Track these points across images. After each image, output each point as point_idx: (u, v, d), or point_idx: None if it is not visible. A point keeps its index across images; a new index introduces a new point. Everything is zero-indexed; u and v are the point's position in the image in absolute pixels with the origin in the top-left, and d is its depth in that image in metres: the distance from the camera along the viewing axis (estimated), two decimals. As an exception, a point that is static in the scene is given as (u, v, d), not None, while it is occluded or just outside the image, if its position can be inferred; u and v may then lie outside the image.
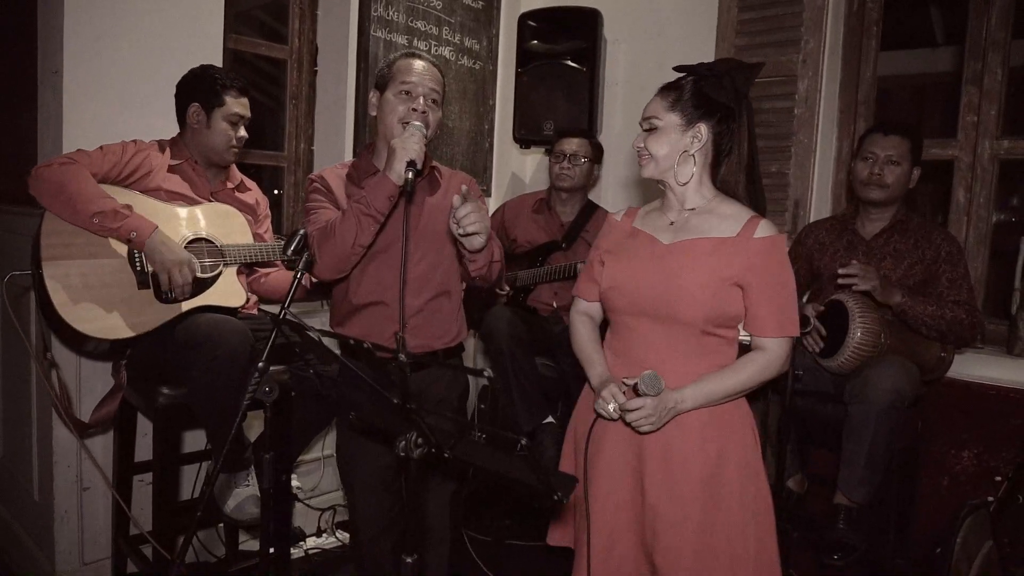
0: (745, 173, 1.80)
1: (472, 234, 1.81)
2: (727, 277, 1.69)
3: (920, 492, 2.76)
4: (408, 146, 1.89)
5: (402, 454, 1.45)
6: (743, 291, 1.70)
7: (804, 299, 2.68)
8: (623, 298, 1.78)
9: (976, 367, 2.77)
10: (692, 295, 1.68)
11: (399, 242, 2.01)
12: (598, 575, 1.76)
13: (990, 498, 2.42)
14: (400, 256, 1.97)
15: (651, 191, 3.27)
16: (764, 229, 1.70)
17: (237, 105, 2.33)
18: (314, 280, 2.15)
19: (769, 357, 1.71)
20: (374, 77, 2.17)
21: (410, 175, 1.84)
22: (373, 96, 2.12)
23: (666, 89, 1.77)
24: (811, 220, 3.05)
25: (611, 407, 1.69)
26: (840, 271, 2.44)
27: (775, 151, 3.20)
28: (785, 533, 2.54)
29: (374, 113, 2.12)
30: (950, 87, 3.04)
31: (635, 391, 1.66)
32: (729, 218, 1.74)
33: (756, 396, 2.33)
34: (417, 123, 1.99)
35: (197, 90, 2.31)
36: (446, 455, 1.45)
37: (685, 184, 1.77)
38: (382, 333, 2.08)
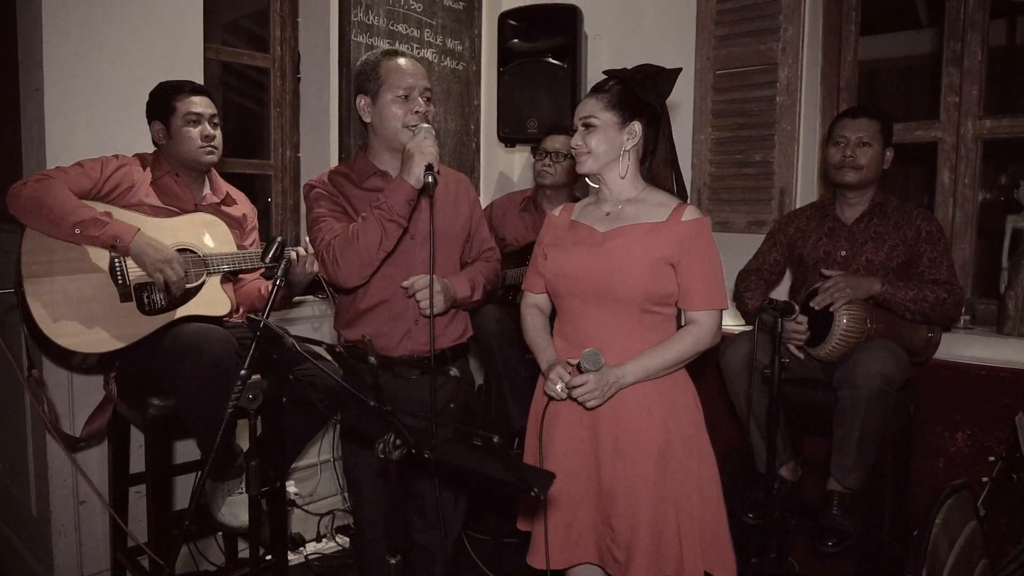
0: (672, 168, 2.00)
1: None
2: (660, 257, 1.84)
3: (915, 475, 2.76)
4: (425, 149, 1.95)
5: (381, 456, 1.47)
6: (675, 270, 1.86)
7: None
8: (567, 283, 1.92)
9: (967, 347, 2.76)
10: (629, 275, 1.84)
11: (404, 240, 2.08)
12: (559, 548, 1.91)
13: (984, 479, 2.44)
14: (403, 252, 2.08)
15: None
16: (691, 213, 1.87)
17: (189, 104, 2.31)
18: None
19: (701, 330, 1.87)
20: (355, 79, 2.20)
21: (430, 179, 1.91)
22: (362, 101, 2.13)
23: (599, 91, 1.92)
24: (797, 207, 3.04)
25: (558, 387, 1.83)
26: (816, 301, 2.44)
27: (758, 140, 3.20)
28: (782, 521, 2.56)
29: (368, 119, 2.14)
30: (936, 68, 3.04)
31: (579, 369, 1.79)
32: (659, 206, 1.91)
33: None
34: (426, 125, 2.04)
35: (154, 109, 2.33)
36: (426, 455, 1.46)
37: (621, 178, 1.94)
38: (391, 332, 2.12)
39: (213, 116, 2.37)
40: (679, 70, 1.95)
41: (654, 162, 1.97)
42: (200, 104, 2.34)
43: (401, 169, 1.99)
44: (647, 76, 1.91)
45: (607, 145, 1.89)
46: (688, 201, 1.98)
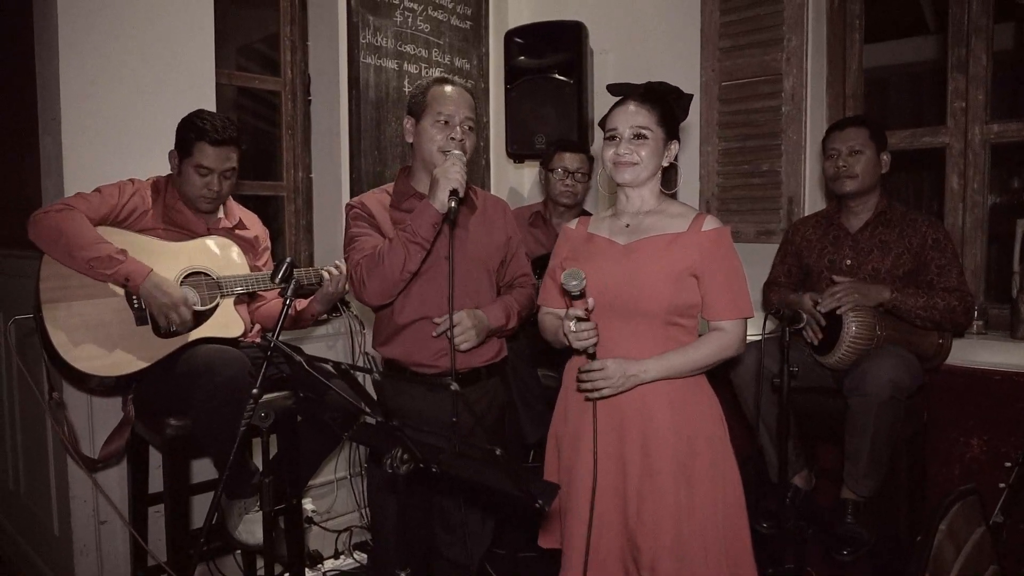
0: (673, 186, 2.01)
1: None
2: (684, 268, 1.83)
3: (931, 482, 2.75)
4: (451, 175, 1.98)
5: (389, 471, 1.49)
6: (698, 280, 1.85)
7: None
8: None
9: (980, 353, 2.74)
10: (654, 288, 1.82)
11: (440, 261, 2.11)
12: (588, 570, 1.85)
13: (1001, 485, 2.41)
14: (441, 274, 2.10)
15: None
16: (711, 223, 1.88)
17: (206, 157, 2.29)
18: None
19: (728, 337, 1.86)
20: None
21: (453, 204, 1.95)
22: (408, 123, 2.20)
23: (647, 103, 1.89)
24: (805, 216, 3.04)
25: (571, 324, 1.74)
26: (822, 303, 2.46)
27: (765, 150, 3.21)
28: (798, 530, 2.55)
29: (410, 140, 2.21)
30: (943, 74, 3.04)
31: (563, 290, 1.71)
32: (678, 216, 1.92)
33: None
34: (457, 152, 2.07)
35: (178, 136, 2.34)
36: (434, 469, 1.48)
37: (649, 192, 1.93)
38: (426, 349, 2.16)
39: (227, 171, 2.35)
40: (691, 96, 2.00)
41: (671, 177, 2.00)
42: (214, 158, 2.30)
43: (428, 193, 2.03)
44: (679, 97, 1.94)
45: (656, 160, 1.89)
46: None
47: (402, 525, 1.61)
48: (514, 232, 2.36)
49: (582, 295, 1.72)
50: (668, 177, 1.98)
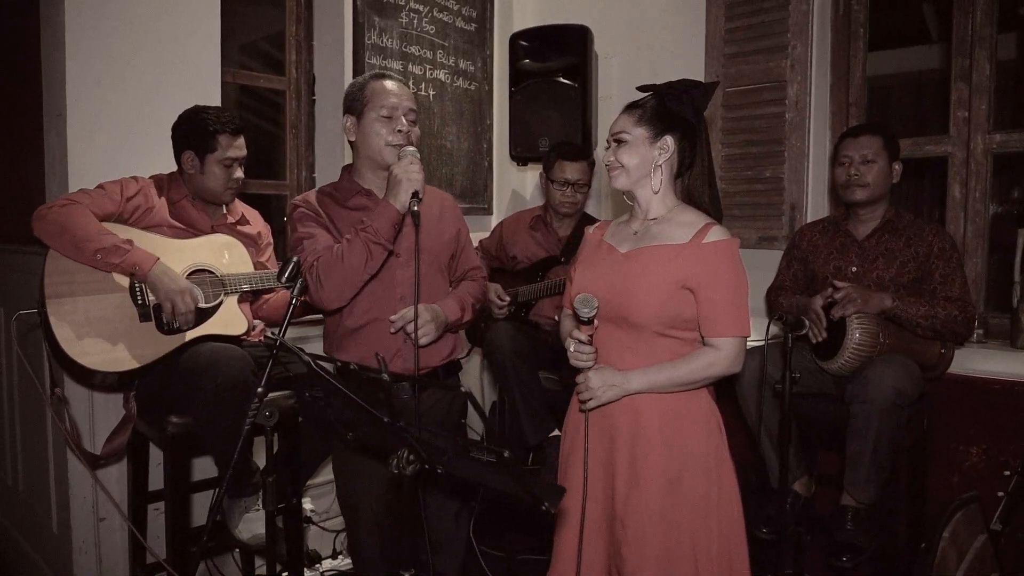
0: (708, 184, 1.92)
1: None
2: (677, 281, 1.77)
3: (930, 490, 2.75)
4: (412, 176, 1.97)
5: (395, 471, 1.49)
6: (693, 294, 1.78)
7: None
8: None
9: (980, 362, 2.75)
10: (642, 299, 1.78)
11: (390, 260, 2.09)
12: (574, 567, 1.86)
13: (1000, 493, 2.42)
14: (390, 273, 2.09)
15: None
16: (714, 234, 1.79)
17: (230, 149, 2.34)
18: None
19: (718, 354, 1.78)
20: (344, 101, 2.21)
21: (415, 207, 1.94)
22: (348, 121, 2.16)
23: (632, 107, 1.89)
24: (811, 221, 3.05)
25: (571, 347, 1.80)
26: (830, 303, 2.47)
27: (768, 156, 3.22)
28: (797, 536, 2.56)
29: (352, 139, 2.17)
30: (946, 83, 3.05)
31: (576, 316, 1.76)
32: (686, 225, 1.84)
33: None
34: (410, 148, 2.05)
35: (190, 136, 2.33)
36: (439, 471, 1.48)
37: (653, 194, 1.88)
38: (381, 351, 2.09)
39: (244, 158, 2.40)
40: (716, 83, 1.96)
41: (691, 177, 1.91)
42: (240, 148, 2.37)
43: (387, 193, 2.00)
44: (683, 90, 1.85)
45: (639, 160, 1.84)
46: (722, 218, 1.92)
47: (401, 528, 1.61)
48: (462, 226, 2.34)
49: (590, 322, 1.74)
50: (683, 177, 1.92)
